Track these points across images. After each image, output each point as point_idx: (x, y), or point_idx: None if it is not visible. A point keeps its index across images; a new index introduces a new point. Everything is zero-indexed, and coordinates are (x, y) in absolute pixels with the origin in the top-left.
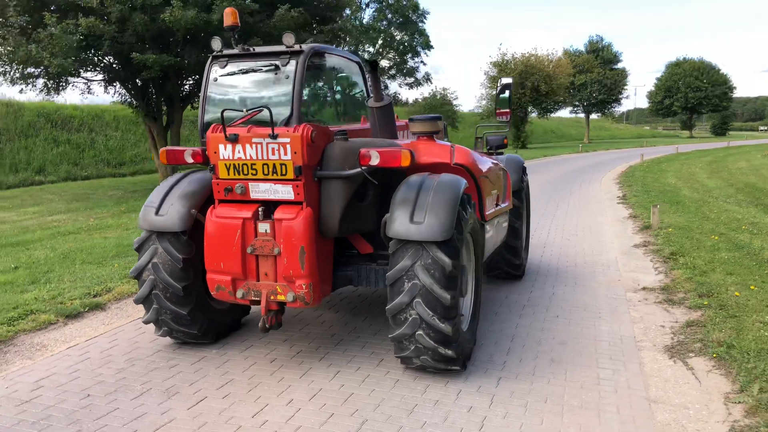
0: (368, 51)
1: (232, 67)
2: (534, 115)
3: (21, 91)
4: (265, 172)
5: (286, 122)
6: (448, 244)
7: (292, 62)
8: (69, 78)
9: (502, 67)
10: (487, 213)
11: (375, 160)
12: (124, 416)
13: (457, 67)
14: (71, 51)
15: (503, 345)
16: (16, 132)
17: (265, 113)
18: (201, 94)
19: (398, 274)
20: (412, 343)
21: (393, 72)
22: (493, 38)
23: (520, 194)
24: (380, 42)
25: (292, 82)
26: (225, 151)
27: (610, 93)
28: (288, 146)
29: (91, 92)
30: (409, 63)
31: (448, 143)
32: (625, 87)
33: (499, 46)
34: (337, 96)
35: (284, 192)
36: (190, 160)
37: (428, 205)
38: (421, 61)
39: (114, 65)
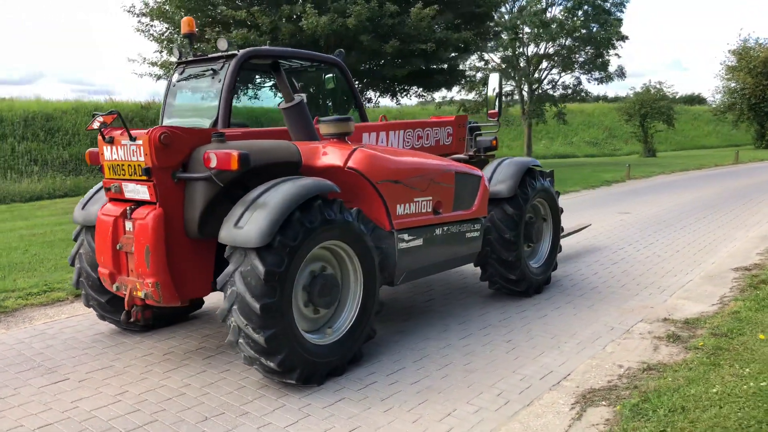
0: (556, 46)
1: (187, 73)
2: None
3: None
4: (130, 173)
5: (213, 125)
6: (269, 251)
7: (225, 67)
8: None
9: (742, 55)
10: (396, 221)
11: (213, 163)
12: None
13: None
14: None
15: (401, 364)
16: None
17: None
18: (162, 99)
19: (224, 280)
20: (241, 351)
21: (588, 67)
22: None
23: (517, 201)
24: (576, 35)
25: (221, 86)
26: (107, 153)
27: None
28: (141, 148)
29: (257, 98)
30: (605, 57)
31: (352, 145)
32: None
33: (739, 32)
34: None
35: (143, 192)
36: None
37: (257, 208)
38: (616, 54)
39: None
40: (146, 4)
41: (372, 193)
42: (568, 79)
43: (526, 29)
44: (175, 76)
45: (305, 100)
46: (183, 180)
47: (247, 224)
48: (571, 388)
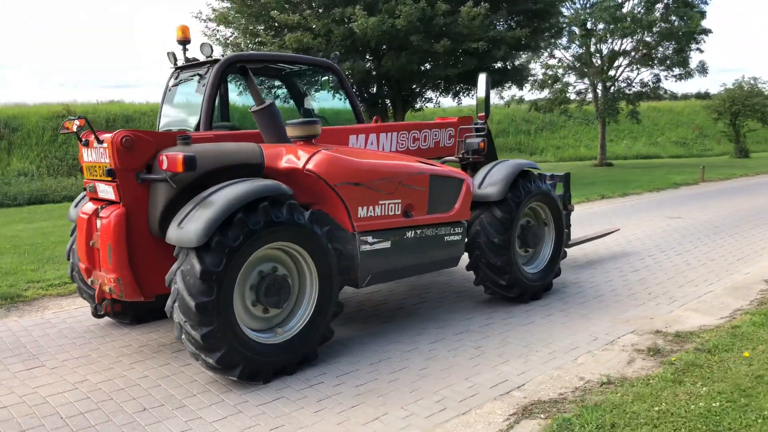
0: (633, 42)
1: (181, 78)
2: None
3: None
4: (100, 174)
5: (196, 128)
6: (208, 251)
7: (209, 72)
8: None
9: None
10: (358, 223)
11: (164, 165)
12: None
13: None
14: None
15: (356, 366)
16: None
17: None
18: (160, 103)
19: (170, 277)
20: (186, 347)
21: (668, 63)
22: None
23: (507, 205)
24: (655, 30)
25: (204, 91)
26: (85, 155)
27: None
28: (107, 150)
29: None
30: (686, 52)
31: (316, 148)
32: None
33: None
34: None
35: (110, 192)
36: None
37: (199, 209)
38: (698, 48)
39: None
40: (214, 10)
41: (332, 195)
42: (646, 76)
43: (600, 25)
44: (171, 81)
45: (275, 104)
46: (147, 181)
47: (188, 224)
48: (517, 399)
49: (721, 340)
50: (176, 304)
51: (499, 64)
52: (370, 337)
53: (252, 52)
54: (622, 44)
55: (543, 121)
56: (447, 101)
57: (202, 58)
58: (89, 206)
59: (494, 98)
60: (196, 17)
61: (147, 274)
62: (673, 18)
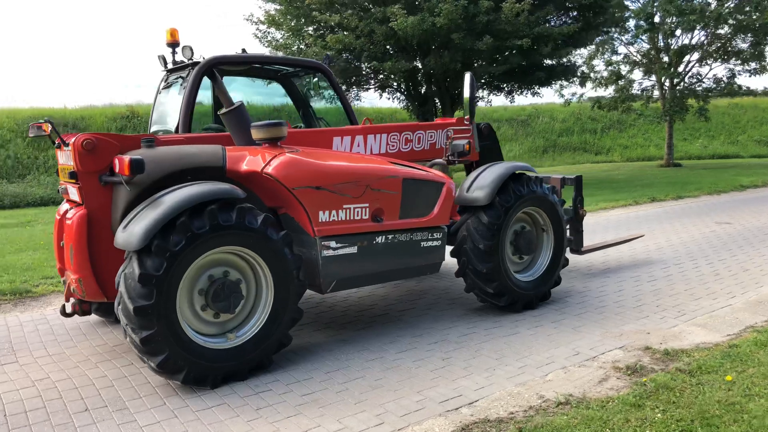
0: (704, 36)
1: (169, 81)
2: None
3: None
4: (69, 176)
5: (176, 130)
6: (148, 255)
7: (189, 74)
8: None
9: None
10: (319, 228)
11: (117, 168)
12: None
13: None
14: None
15: (311, 374)
16: None
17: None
18: (152, 105)
19: (117, 280)
20: (132, 349)
21: (743, 56)
22: None
23: (495, 210)
24: (731, 22)
25: (184, 93)
26: (59, 157)
27: None
28: (71, 153)
29: (358, 99)
30: (763, 45)
31: (280, 150)
32: None
33: None
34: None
35: (75, 194)
36: None
37: (143, 212)
38: None
39: (386, 75)
40: (265, 12)
41: (292, 199)
42: (720, 71)
43: (667, 19)
44: (161, 84)
45: (244, 105)
46: (110, 183)
47: (132, 227)
48: (463, 416)
49: (709, 360)
50: (119, 306)
51: (548, 61)
52: (338, 344)
53: (233, 53)
54: (692, 38)
55: (611, 120)
56: (499, 100)
57: None
58: (63, 207)
59: (552, 96)
60: (247, 20)
61: (110, 276)
62: (747, 9)
